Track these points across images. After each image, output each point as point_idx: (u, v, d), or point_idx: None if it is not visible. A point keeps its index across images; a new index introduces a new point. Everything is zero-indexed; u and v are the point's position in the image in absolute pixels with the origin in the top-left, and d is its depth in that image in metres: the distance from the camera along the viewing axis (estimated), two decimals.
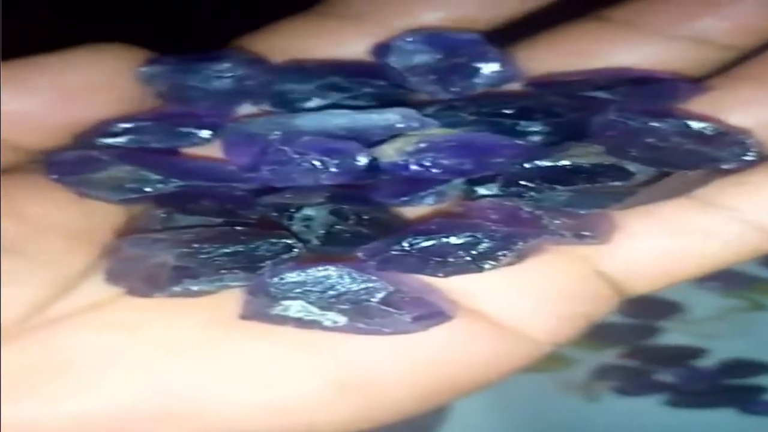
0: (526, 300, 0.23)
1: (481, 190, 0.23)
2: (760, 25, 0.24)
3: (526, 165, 0.23)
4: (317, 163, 0.23)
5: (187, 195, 0.24)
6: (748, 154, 0.23)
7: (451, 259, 0.22)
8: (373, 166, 0.24)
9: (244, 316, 0.22)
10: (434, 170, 0.23)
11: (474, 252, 0.22)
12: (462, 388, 0.23)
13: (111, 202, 0.23)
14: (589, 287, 0.23)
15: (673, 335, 0.48)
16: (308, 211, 0.23)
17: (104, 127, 0.24)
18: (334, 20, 0.26)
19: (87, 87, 0.24)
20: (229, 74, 0.25)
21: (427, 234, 0.22)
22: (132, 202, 0.24)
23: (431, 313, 0.22)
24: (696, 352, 0.49)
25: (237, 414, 0.22)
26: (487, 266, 0.22)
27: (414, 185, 0.24)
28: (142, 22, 0.37)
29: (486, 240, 0.22)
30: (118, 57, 0.25)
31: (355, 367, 0.22)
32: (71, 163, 0.24)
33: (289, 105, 0.25)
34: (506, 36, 0.26)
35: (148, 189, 0.23)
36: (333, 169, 0.23)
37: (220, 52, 0.25)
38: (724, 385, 0.49)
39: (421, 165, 0.23)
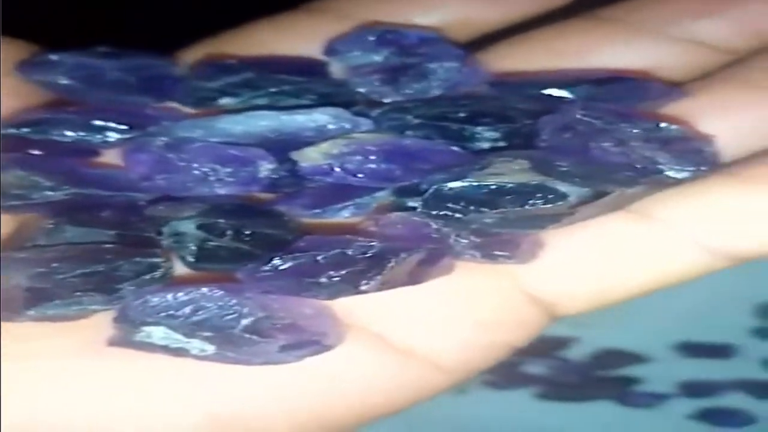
0: (436, 326, 0.22)
1: (410, 202, 0.22)
2: (759, 29, 0.24)
3: (451, 186, 0.21)
4: (208, 172, 0.22)
5: (81, 204, 0.22)
6: (703, 164, 0.22)
7: (323, 280, 0.21)
8: (292, 173, 0.22)
9: (111, 343, 0.21)
10: (359, 176, 0.22)
11: (346, 271, 0.21)
12: (355, 418, 0.22)
13: None
14: (513, 311, 0.22)
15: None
16: (177, 226, 0.22)
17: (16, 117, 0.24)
18: (321, 18, 0.25)
19: None
20: (137, 69, 0.24)
21: (295, 252, 0.21)
22: (17, 210, 0.22)
23: (303, 342, 0.21)
24: (566, 342, 0.49)
25: None
26: (365, 287, 0.21)
27: (334, 195, 0.22)
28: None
29: (359, 258, 0.21)
30: (5, 49, 0.24)
31: (229, 398, 0.21)
32: None
33: (204, 103, 0.24)
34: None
35: (35, 196, 0.22)
36: (226, 178, 0.22)
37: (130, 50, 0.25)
38: (598, 377, 0.49)
39: (346, 170, 0.22)
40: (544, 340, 0.48)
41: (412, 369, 0.22)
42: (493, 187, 0.21)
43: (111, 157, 0.24)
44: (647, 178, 0.22)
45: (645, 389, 0.49)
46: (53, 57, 0.24)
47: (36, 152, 0.23)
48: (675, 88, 0.23)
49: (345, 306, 0.21)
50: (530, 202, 0.21)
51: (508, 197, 0.21)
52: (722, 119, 0.23)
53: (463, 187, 0.21)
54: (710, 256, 0.21)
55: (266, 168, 0.22)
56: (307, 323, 0.21)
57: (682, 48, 0.24)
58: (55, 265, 0.21)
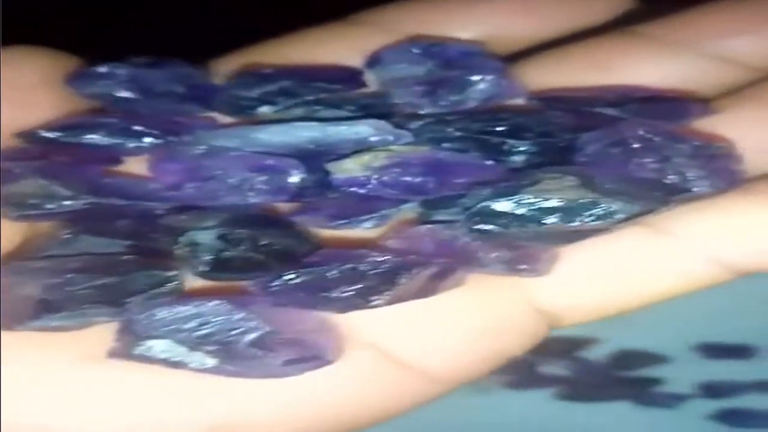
0: (432, 336, 0.22)
1: (438, 216, 0.22)
2: None
3: (500, 201, 0.22)
4: (242, 181, 0.22)
5: (97, 214, 0.22)
6: (731, 181, 0.22)
7: (334, 295, 0.21)
8: (320, 183, 0.23)
9: (110, 355, 0.21)
10: (393, 189, 0.22)
11: (357, 287, 0.21)
12: (352, 426, 0.22)
13: (8, 218, 0.22)
14: (516, 321, 0.22)
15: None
16: (195, 235, 0.22)
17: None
18: (363, 30, 0.25)
19: (24, 86, 0.24)
20: (178, 80, 0.25)
21: (309, 266, 0.21)
22: (33, 218, 0.23)
23: (306, 357, 0.21)
24: (585, 343, 0.49)
25: None
26: (375, 302, 0.21)
27: (360, 206, 0.23)
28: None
29: (370, 273, 0.21)
30: (51, 60, 0.24)
31: (227, 410, 0.21)
32: None
33: (242, 112, 0.25)
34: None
35: (51, 206, 0.22)
36: (261, 187, 0.22)
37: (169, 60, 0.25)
38: (617, 377, 0.49)
39: (382, 182, 0.22)
40: (563, 341, 0.49)
41: (407, 379, 0.22)
42: (545, 204, 0.21)
43: (133, 166, 0.24)
44: (678, 195, 0.22)
45: (665, 390, 0.49)
46: (103, 69, 0.25)
47: (59, 159, 0.23)
48: (706, 105, 0.24)
49: (344, 318, 0.21)
50: (579, 219, 0.21)
51: (557, 214, 0.21)
52: (749, 136, 0.23)
53: (512, 203, 0.21)
54: (721, 270, 0.22)
55: (297, 178, 0.22)
56: (310, 338, 0.21)
57: (713, 65, 0.24)
58: (68, 276, 0.21)
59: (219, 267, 0.21)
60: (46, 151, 0.23)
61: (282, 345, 0.21)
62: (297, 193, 0.23)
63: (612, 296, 0.22)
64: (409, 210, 0.23)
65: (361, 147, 0.23)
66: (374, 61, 0.25)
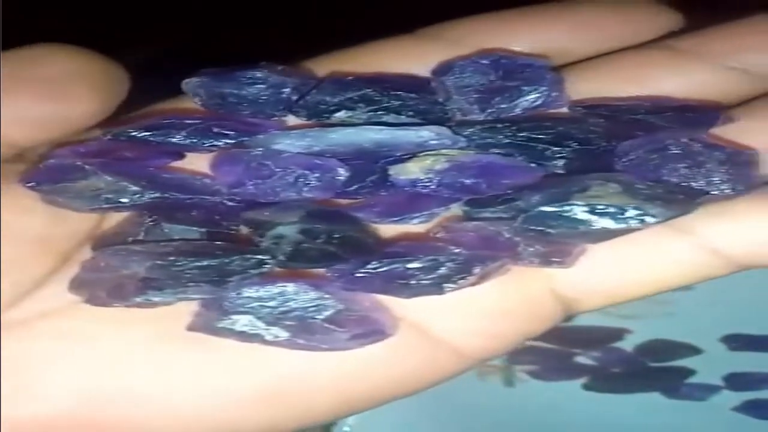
0: (464, 317, 0.25)
1: (484, 213, 0.25)
2: None
3: (554, 206, 0.24)
4: (298, 178, 0.25)
5: (175, 205, 0.25)
6: (751, 185, 0.25)
7: (413, 282, 0.24)
8: (379, 183, 0.26)
9: (191, 328, 0.24)
10: (448, 190, 0.25)
11: (434, 275, 0.24)
12: (386, 397, 0.26)
13: (82, 210, 0.25)
14: (536, 305, 0.25)
15: (591, 316, 0.49)
16: (281, 230, 0.24)
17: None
18: (433, 44, 0.27)
19: (56, 80, 0.25)
20: (264, 83, 0.27)
21: (392, 257, 0.24)
22: (104, 211, 0.25)
23: (370, 332, 0.24)
24: (616, 334, 0.51)
25: (172, 424, 0.25)
26: (447, 289, 0.24)
27: (411, 204, 0.26)
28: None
29: (447, 264, 0.24)
30: (80, 56, 0.26)
31: (277, 375, 0.25)
32: (52, 170, 0.25)
33: (319, 116, 0.27)
34: None
35: (124, 200, 0.25)
36: (313, 183, 0.25)
37: (256, 64, 0.27)
38: (647, 368, 0.51)
39: (442, 184, 0.25)
40: (595, 331, 0.50)
41: (441, 354, 0.25)
42: (595, 209, 0.24)
43: (194, 161, 0.26)
44: (704, 198, 0.25)
45: (694, 381, 0.51)
46: (204, 73, 0.27)
47: (124, 155, 0.26)
48: (728, 114, 0.26)
49: (394, 299, 0.25)
50: (624, 223, 0.24)
51: (606, 218, 0.24)
52: (763, 142, 0.26)
53: (564, 207, 0.24)
54: (726, 263, 0.25)
55: (343, 174, 0.25)
56: (373, 315, 0.25)
57: (734, 77, 0.27)
58: (172, 258, 0.24)
59: (296, 257, 0.24)
60: (112, 148, 0.26)
61: (351, 322, 0.24)
62: (352, 191, 0.26)
63: (626, 285, 0.25)
64: (460, 209, 0.26)
65: (420, 150, 0.26)
66: (444, 70, 0.27)
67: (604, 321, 0.50)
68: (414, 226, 0.26)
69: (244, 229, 0.25)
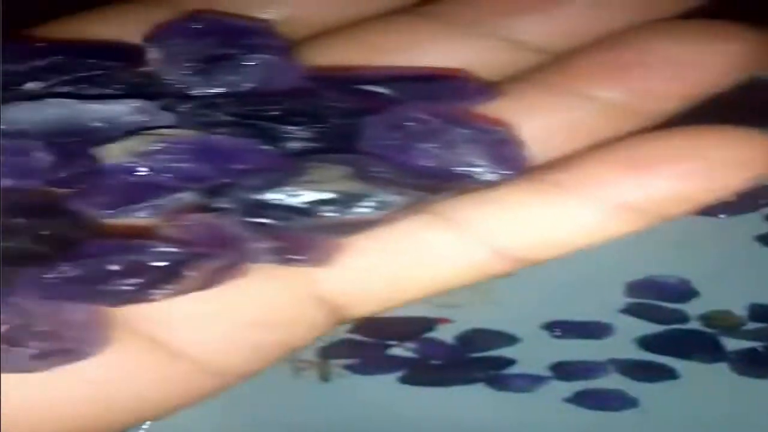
0: (208, 328, 0.23)
1: (216, 203, 0.22)
2: (578, 30, 0.24)
3: (267, 194, 0.22)
4: None
5: None
6: (515, 167, 0.23)
7: (112, 288, 0.21)
8: (90, 169, 0.22)
9: None
10: (166, 175, 0.22)
11: (138, 280, 0.21)
12: (121, 422, 0.23)
13: None
14: (300, 313, 0.23)
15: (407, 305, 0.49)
16: None
17: None
18: (153, 8, 0.25)
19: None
20: None
21: (86, 258, 0.21)
22: None
23: (59, 350, 0.21)
24: (434, 323, 0.50)
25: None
26: (154, 295, 0.21)
27: (134, 194, 0.22)
28: None
29: (154, 265, 0.21)
30: None
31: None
32: None
33: (4, 88, 0.24)
34: None
35: None
36: (3, 169, 0.22)
37: None
38: (468, 359, 0.50)
39: (153, 169, 0.22)
40: (412, 322, 0.49)
41: (181, 370, 0.23)
42: (317, 196, 0.22)
43: None
44: (463, 182, 0.22)
45: (517, 371, 0.50)
46: None
47: None
48: (489, 88, 0.24)
49: (117, 310, 0.22)
50: (352, 211, 0.22)
51: (328, 206, 0.22)
52: (533, 121, 0.23)
53: (279, 196, 0.22)
54: (501, 259, 0.23)
55: (44, 159, 0.22)
56: (68, 330, 0.21)
57: (498, 46, 0.24)
58: None
59: None
60: None
61: (32, 338, 0.21)
62: (64, 179, 0.22)
63: (399, 285, 0.23)
64: (187, 199, 0.23)
65: (118, 129, 0.23)
66: (152, 36, 0.24)
67: (421, 311, 0.50)
68: (143, 220, 0.22)
69: None
